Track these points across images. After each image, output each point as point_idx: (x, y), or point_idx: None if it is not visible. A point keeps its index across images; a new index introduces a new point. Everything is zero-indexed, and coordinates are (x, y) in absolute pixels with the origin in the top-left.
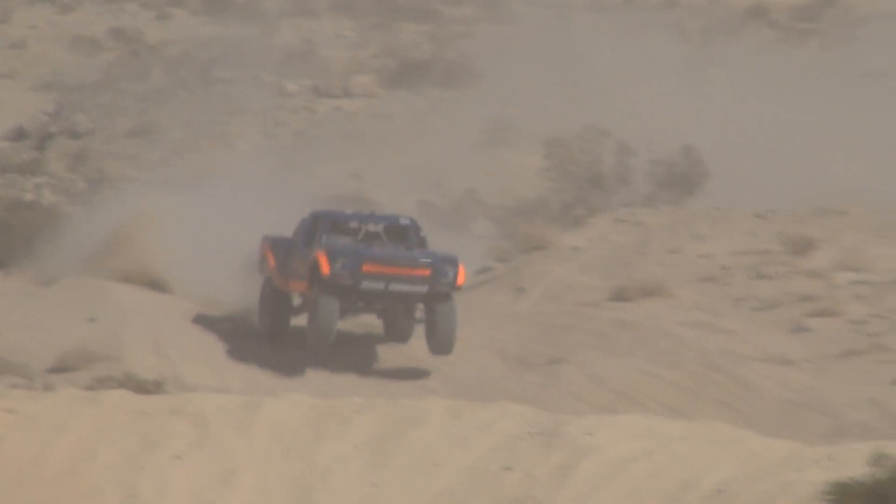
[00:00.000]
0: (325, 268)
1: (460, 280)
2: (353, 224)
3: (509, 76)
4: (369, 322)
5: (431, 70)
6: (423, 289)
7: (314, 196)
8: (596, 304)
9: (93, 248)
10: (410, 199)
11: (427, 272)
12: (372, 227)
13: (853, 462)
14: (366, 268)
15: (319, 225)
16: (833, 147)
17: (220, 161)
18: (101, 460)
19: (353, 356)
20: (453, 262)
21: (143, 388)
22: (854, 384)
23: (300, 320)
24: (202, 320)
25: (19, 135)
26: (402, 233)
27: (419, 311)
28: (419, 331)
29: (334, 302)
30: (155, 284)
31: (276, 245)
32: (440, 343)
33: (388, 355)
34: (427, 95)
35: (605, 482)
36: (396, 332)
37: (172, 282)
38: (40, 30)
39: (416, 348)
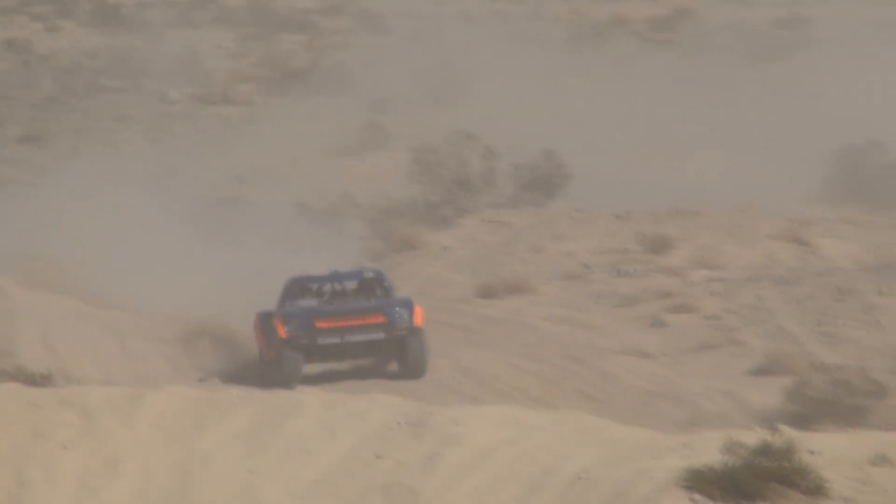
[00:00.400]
0: (280, 332)
1: (417, 321)
2: (319, 286)
3: (382, 83)
4: None
5: (308, 78)
6: (380, 335)
7: (198, 196)
8: (465, 301)
9: None
10: (288, 200)
11: (381, 319)
12: (338, 286)
13: (708, 450)
14: (319, 324)
15: (288, 292)
16: (689, 151)
17: (108, 165)
18: None
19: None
20: (408, 306)
21: (33, 380)
22: (709, 376)
23: None
24: (92, 318)
25: None
26: (368, 286)
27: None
28: None
29: (297, 357)
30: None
31: (262, 321)
32: (411, 371)
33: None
34: (304, 102)
35: (472, 469)
36: (407, 370)
37: (66, 280)
38: None
39: None
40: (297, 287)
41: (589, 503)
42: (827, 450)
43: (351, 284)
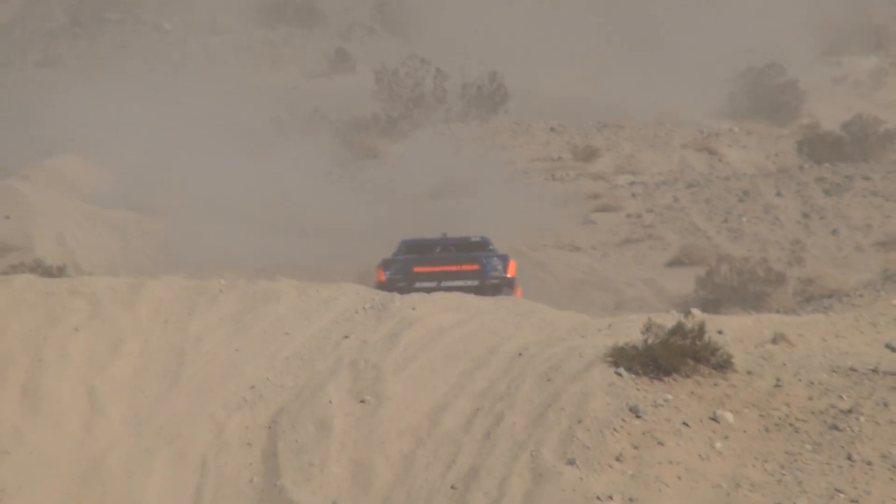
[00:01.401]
0: (380, 276)
1: (510, 272)
2: (429, 246)
3: (348, 15)
4: None
5: (285, 10)
6: (474, 282)
7: (191, 112)
8: (420, 201)
9: None
10: (267, 117)
11: (475, 267)
12: (447, 247)
13: (629, 330)
14: (416, 269)
15: (400, 249)
16: (611, 71)
17: (112, 88)
18: (12, 332)
19: None
20: (503, 258)
21: (48, 272)
22: (631, 267)
23: None
24: (98, 217)
25: None
26: (474, 248)
27: None
28: None
29: None
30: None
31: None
32: None
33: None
34: (280, 31)
35: (426, 347)
36: None
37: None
38: None
39: None
40: (409, 246)
41: (527, 377)
42: (732, 330)
43: (457, 245)
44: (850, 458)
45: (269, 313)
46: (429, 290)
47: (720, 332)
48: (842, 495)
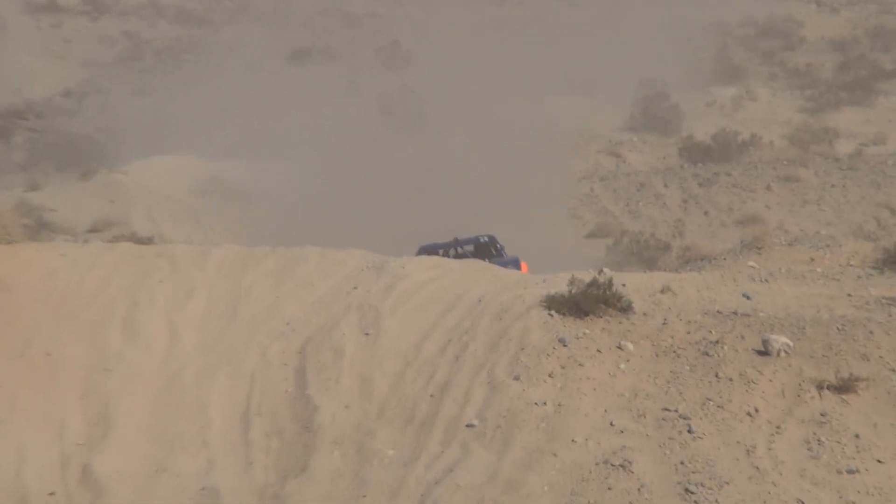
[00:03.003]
0: None
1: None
2: (444, 249)
3: (359, 58)
4: None
5: (310, 53)
6: None
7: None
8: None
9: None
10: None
11: None
12: (459, 249)
13: (559, 284)
14: None
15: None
16: (541, 95)
17: (188, 110)
18: (115, 284)
19: None
20: (514, 263)
21: (141, 241)
22: (559, 239)
23: None
24: (176, 201)
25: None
26: (484, 247)
27: None
28: None
29: None
30: None
31: None
32: None
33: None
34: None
35: (413, 295)
36: None
37: None
38: (81, 31)
39: None
40: (426, 250)
41: (485, 316)
42: (632, 283)
43: (469, 247)
44: (716, 375)
45: (300, 270)
46: None
47: (623, 285)
48: (711, 402)
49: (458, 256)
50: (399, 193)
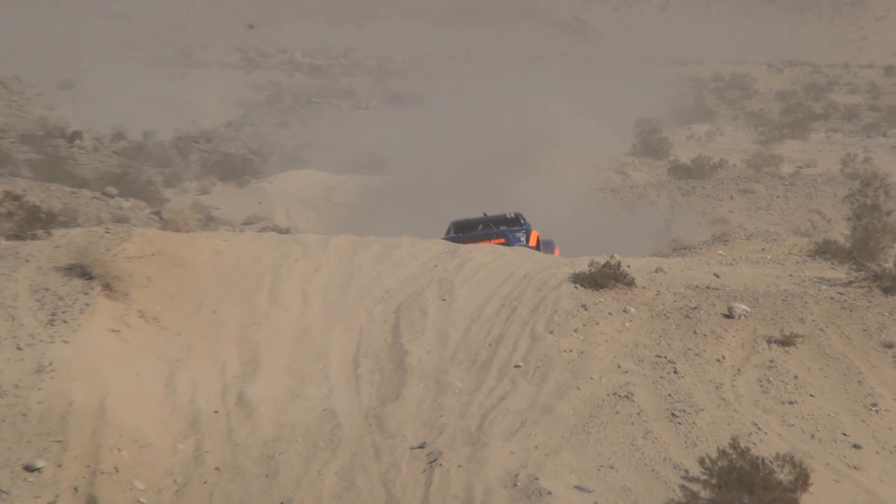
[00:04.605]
0: None
1: (532, 242)
2: (474, 224)
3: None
4: None
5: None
6: None
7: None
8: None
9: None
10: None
11: (502, 240)
12: (488, 224)
13: (582, 265)
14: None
15: (449, 230)
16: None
17: (324, 137)
18: (264, 261)
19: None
20: (526, 231)
21: (281, 231)
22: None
23: None
24: (306, 202)
25: (228, 124)
26: (511, 222)
27: None
28: None
29: None
30: None
31: None
32: None
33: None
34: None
35: (477, 272)
36: None
37: None
38: (239, 80)
39: None
40: (458, 225)
41: (529, 288)
42: (635, 265)
43: (496, 221)
44: (695, 332)
45: (396, 254)
46: None
47: (628, 266)
48: (690, 351)
49: (484, 229)
50: (461, 194)
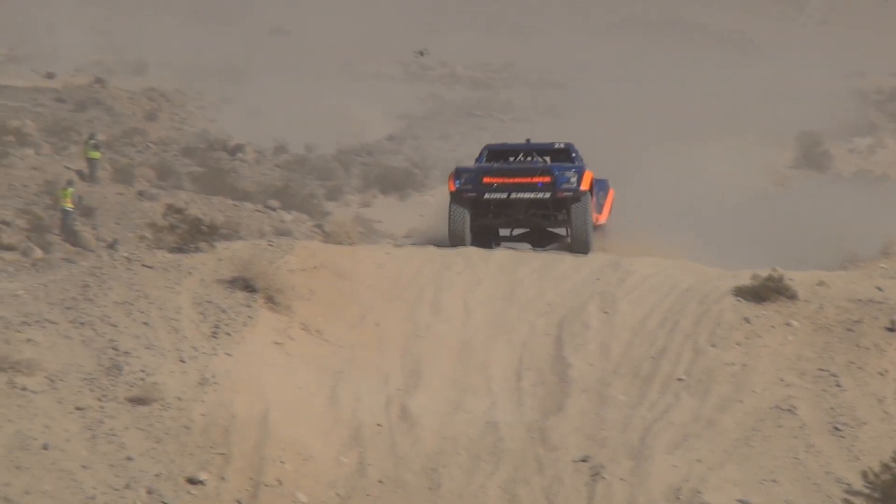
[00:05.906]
0: (450, 185)
1: (584, 186)
2: (513, 152)
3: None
4: None
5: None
6: (546, 195)
7: None
8: None
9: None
10: None
11: (547, 179)
12: (530, 154)
13: (744, 279)
14: (486, 180)
15: (482, 155)
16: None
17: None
18: (425, 274)
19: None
20: (578, 170)
21: (442, 245)
22: None
23: None
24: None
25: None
26: (558, 156)
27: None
28: None
29: (463, 211)
30: None
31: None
32: (574, 242)
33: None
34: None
35: (639, 285)
36: (573, 239)
37: None
38: (401, 93)
39: None
40: (491, 151)
41: (691, 301)
42: (797, 279)
43: (541, 152)
44: (857, 345)
45: (558, 267)
46: (499, 203)
47: (791, 280)
48: (853, 364)
49: (525, 166)
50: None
